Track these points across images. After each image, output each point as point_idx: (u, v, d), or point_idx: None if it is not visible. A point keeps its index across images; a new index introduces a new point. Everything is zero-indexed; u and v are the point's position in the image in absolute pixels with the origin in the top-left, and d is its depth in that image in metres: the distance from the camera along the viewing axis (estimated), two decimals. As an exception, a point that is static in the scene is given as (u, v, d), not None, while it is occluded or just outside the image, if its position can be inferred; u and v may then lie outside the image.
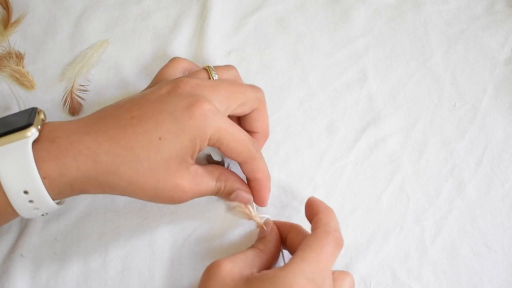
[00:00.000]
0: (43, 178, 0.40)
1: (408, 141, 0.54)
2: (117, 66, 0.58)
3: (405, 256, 0.49)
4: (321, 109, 0.56)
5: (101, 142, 0.41)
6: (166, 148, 0.42)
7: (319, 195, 0.51)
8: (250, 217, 0.48)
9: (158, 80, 0.50)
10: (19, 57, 0.57)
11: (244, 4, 0.61)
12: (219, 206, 0.52)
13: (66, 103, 0.56)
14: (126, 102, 0.44)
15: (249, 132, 0.50)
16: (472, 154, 0.53)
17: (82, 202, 0.52)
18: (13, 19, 0.59)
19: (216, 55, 0.58)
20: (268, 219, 0.48)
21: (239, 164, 0.48)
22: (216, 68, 0.50)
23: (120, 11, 0.61)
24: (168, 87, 0.44)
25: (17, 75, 0.56)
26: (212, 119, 0.43)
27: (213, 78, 0.49)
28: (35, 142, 0.40)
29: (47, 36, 0.59)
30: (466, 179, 0.52)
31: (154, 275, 0.49)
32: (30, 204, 0.40)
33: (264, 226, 0.47)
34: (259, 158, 0.48)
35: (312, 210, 0.46)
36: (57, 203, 0.43)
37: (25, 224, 0.51)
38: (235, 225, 0.51)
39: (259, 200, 0.49)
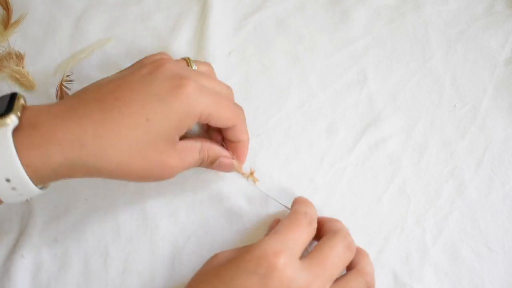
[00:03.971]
0: (26, 166, 0.38)
1: (408, 142, 0.54)
2: (117, 66, 0.58)
3: (406, 257, 0.49)
4: (321, 110, 0.56)
5: (86, 127, 0.40)
6: (154, 129, 0.42)
7: (320, 196, 0.52)
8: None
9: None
10: (19, 57, 0.57)
11: (244, 5, 0.61)
12: (221, 207, 0.52)
13: (57, 95, 0.56)
14: (107, 84, 0.44)
15: (234, 142, 0.50)
16: (472, 155, 0.53)
17: (82, 203, 0.52)
18: (13, 19, 0.59)
19: (216, 56, 0.58)
20: (276, 219, 0.49)
21: (225, 130, 0.49)
22: (195, 61, 0.51)
23: (120, 11, 0.61)
24: (150, 67, 0.45)
25: (17, 76, 0.56)
26: (198, 98, 0.44)
27: (192, 67, 0.50)
28: (16, 129, 0.39)
29: (47, 36, 0.59)
30: (466, 180, 0.52)
31: (155, 276, 0.49)
32: (13, 191, 0.39)
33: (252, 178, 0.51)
34: (244, 121, 0.50)
35: (320, 221, 0.47)
36: (41, 188, 0.42)
37: (26, 224, 0.51)
38: (235, 226, 0.51)
39: (240, 161, 0.51)
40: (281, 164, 0.53)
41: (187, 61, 0.50)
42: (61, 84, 0.56)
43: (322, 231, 0.46)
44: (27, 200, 0.43)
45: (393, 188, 0.52)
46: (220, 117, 0.46)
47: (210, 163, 0.49)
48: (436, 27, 0.59)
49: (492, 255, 0.49)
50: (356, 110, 0.56)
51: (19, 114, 0.40)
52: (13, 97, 0.41)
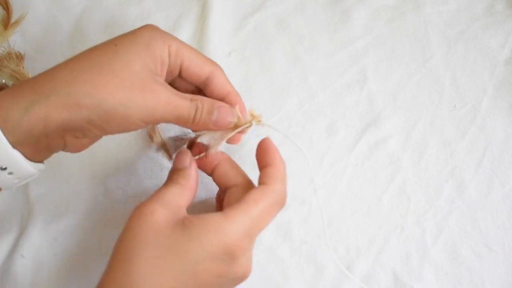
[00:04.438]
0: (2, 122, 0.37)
1: (408, 142, 0.54)
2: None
3: (406, 257, 0.49)
4: (321, 110, 0.56)
5: (59, 65, 0.40)
6: (122, 50, 0.41)
7: (320, 196, 0.52)
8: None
9: None
10: (19, 57, 0.57)
11: (244, 5, 0.61)
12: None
13: None
14: None
15: (221, 99, 0.46)
16: (472, 155, 0.53)
17: (82, 203, 0.52)
18: (13, 19, 0.59)
19: (216, 56, 0.58)
20: (185, 148, 0.46)
21: (205, 84, 0.45)
22: None
23: (120, 11, 0.61)
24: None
25: (17, 76, 0.56)
26: (165, 33, 0.44)
27: None
28: None
29: (47, 36, 0.59)
30: (466, 180, 0.52)
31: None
32: (3, 171, 0.37)
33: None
34: (221, 69, 0.46)
35: (265, 157, 0.44)
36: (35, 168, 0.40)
37: (26, 224, 0.51)
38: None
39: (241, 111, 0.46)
40: (281, 164, 0.53)
41: None
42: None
43: (263, 175, 0.43)
44: (16, 181, 0.40)
45: (393, 188, 0.52)
46: (193, 56, 0.44)
47: (207, 114, 0.43)
48: (436, 27, 0.59)
49: (492, 255, 0.49)
50: (356, 110, 0.56)
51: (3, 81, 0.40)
52: None
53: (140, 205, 0.41)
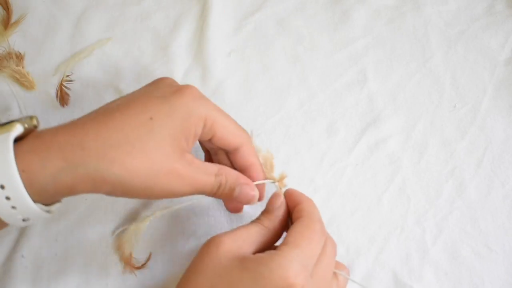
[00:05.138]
0: (22, 171, 0.36)
1: (408, 142, 0.54)
2: (117, 66, 0.58)
3: (406, 257, 0.49)
4: (321, 110, 0.56)
5: (88, 128, 0.39)
6: (158, 128, 0.40)
7: (320, 196, 0.52)
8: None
9: None
10: (19, 57, 0.57)
11: (244, 5, 0.61)
12: (221, 207, 0.52)
13: (57, 95, 0.56)
14: (112, 101, 0.43)
15: (245, 167, 0.47)
16: (472, 155, 0.53)
17: (82, 203, 0.52)
18: (13, 19, 0.59)
19: (216, 56, 0.58)
20: (280, 190, 0.46)
21: (232, 152, 0.46)
22: None
23: (120, 11, 0.61)
24: (151, 82, 0.45)
25: (17, 76, 0.56)
26: (202, 101, 0.43)
27: None
28: (20, 140, 0.38)
29: (47, 36, 0.59)
30: (466, 180, 0.52)
31: (155, 276, 0.49)
32: (7, 202, 0.37)
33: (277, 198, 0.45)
34: (251, 142, 0.46)
35: (293, 199, 0.45)
36: (46, 211, 0.40)
37: (26, 224, 0.51)
38: (236, 226, 0.51)
39: (260, 193, 0.47)
40: (281, 164, 0.53)
41: None
42: (61, 84, 0.56)
43: (297, 211, 0.44)
44: (24, 221, 0.39)
45: (393, 188, 0.52)
46: (226, 129, 0.44)
47: (230, 190, 0.44)
48: (436, 27, 0.59)
49: (492, 255, 0.49)
50: (356, 110, 0.56)
51: (26, 126, 0.38)
52: (28, 115, 0.40)
53: (215, 236, 0.41)
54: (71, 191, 0.39)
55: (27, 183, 0.37)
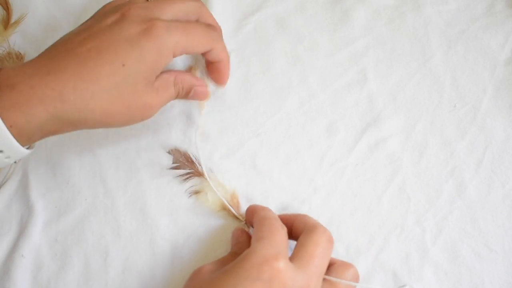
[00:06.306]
0: (10, 127, 0.39)
1: (408, 142, 0.54)
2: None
3: (406, 257, 0.49)
4: (321, 110, 0.56)
5: (65, 82, 0.41)
6: (131, 73, 0.43)
7: (320, 196, 0.52)
8: (234, 217, 0.51)
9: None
10: (19, 57, 0.57)
11: (244, 5, 0.61)
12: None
13: None
14: (75, 35, 0.45)
15: (214, 62, 0.53)
16: (472, 155, 0.53)
17: (82, 203, 0.52)
18: (13, 19, 0.59)
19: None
20: (237, 227, 0.49)
21: (204, 53, 0.51)
22: None
23: (120, 11, 0.61)
24: (115, 16, 0.46)
25: (17, 76, 0.56)
26: (169, 36, 0.45)
27: None
28: None
29: (47, 36, 0.59)
30: (466, 180, 0.52)
31: (155, 275, 0.49)
32: (0, 154, 0.40)
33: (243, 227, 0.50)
34: (220, 41, 0.52)
35: (250, 211, 0.48)
36: (28, 148, 0.42)
37: (26, 224, 0.51)
38: (235, 226, 0.51)
39: (223, 80, 0.55)
40: (281, 164, 0.53)
41: None
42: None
43: (294, 229, 0.46)
44: (15, 162, 0.43)
45: (393, 188, 0.52)
46: (194, 47, 0.48)
47: (186, 94, 0.51)
48: (436, 27, 0.59)
49: (492, 255, 0.49)
50: (356, 110, 0.56)
51: None
52: None
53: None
54: (56, 133, 0.43)
55: (16, 135, 0.39)
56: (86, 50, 0.43)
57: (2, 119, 0.38)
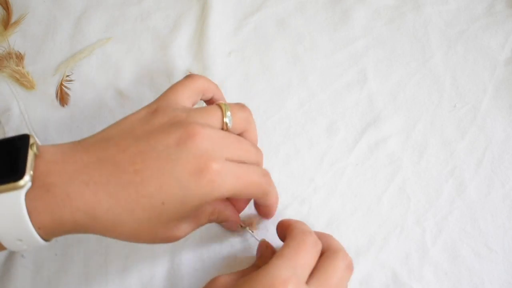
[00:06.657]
0: (38, 228, 0.38)
1: (408, 142, 0.54)
2: (117, 67, 0.58)
3: (406, 257, 0.49)
4: (321, 110, 0.56)
5: (101, 198, 0.39)
6: (168, 213, 0.40)
7: (320, 196, 0.52)
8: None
9: (166, 100, 0.45)
10: (19, 57, 0.57)
11: (244, 5, 0.61)
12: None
13: (57, 95, 0.56)
14: (130, 144, 0.41)
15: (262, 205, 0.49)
16: (472, 154, 0.53)
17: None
18: (13, 19, 0.59)
19: (216, 56, 0.58)
20: (263, 240, 0.48)
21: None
22: (230, 106, 0.45)
23: (120, 11, 0.61)
24: (178, 135, 0.41)
25: (17, 76, 0.56)
26: (222, 182, 0.40)
27: (226, 118, 0.44)
28: (28, 190, 0.37)
29: (47, 36, 0.59)
30: (466, 179, 0.52)
31: (155, 275, 0.49)
32: (20, 243, 0.38)
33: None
34: (272, 188, 0.46)
35: (283, 226, 0.46)
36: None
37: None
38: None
39: (266, 217, 0.51)
40: (281, 164, 0.53)
41: (221, 108, 0.45)
42: (61, 84, 0.56)
43: (288, 232, 0.45)
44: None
45: (393, 188, 0.52)
46: (245, 194, 0.43)
47: (219, 222, 0.49)
48: (436, 27, 0.59)
49: (492, 255, 0.49)
50: (356, 110, 0.56)
51: (31, 173, 0.38)
52: (24, 144, 0.39)
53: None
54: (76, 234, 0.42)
55: (41, 235, 0.38)
56: (133, 172, 0.40)
57: (32, 221, 0.37)
